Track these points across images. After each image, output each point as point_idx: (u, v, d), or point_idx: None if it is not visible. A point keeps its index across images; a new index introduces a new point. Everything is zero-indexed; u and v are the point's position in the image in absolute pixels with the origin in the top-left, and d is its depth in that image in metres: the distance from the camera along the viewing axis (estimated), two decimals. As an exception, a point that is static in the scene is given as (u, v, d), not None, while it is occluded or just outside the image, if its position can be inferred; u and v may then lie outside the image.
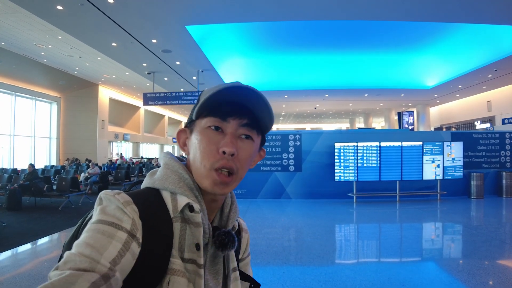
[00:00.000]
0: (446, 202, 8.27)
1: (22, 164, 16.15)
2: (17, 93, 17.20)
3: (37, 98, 18.69)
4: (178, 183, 0.65)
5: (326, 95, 18.69)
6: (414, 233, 5.78)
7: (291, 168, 8.94)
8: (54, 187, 9.47)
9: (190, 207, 0.63)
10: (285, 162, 8.95)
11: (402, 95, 18.39)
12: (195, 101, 0.73)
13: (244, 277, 0.81)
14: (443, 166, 8.43)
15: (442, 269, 3.84)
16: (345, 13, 8.25)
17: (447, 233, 5.84)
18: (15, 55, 13.44)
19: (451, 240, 5.39)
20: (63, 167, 15.77)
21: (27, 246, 5.13)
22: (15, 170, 12.94)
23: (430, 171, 8.43)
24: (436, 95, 18.22)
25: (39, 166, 15.24)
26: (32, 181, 9.30)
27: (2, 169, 13.49)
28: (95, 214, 0.56)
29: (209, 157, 0.64)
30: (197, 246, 0.62)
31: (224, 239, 0.67)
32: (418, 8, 7.86)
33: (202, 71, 13.22)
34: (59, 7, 7.68)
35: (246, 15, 8.42)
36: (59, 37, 10.92)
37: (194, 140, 0.67)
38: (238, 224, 0.84)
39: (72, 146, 20.42)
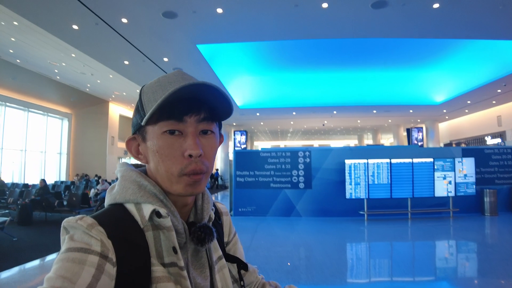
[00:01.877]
0: (459, 219, 8.12)
1: (32, 179, 16.32)
2: (30, 109, 17.56)
3: (49, 114, 19.05)
4: (139, 192, 0.62)
5: (334, 112, 18.71)
6: (427, 251, 5.67)
7: (301, 185, 8.89)
8: (65, 203, 9.54)
9: (157, 213, 0.60)
10: (294, 179, 8.91)
11: (411, 111, 18.34)
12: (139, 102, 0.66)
13: (232, 259, 0.79)
14: (455, 182, 8.31)
15: (459, 290, 3.75)
16: (353, 32, 8.36)
17: (461, 251, 5.72)
18: (30, 72, 13.80)
19: (465, 258, 5.27)
20: (72, 182, 15.89)
21: (38, 261, 5.15)
22: (26, 185, 13.08)
23: (442, 187, 8.32)
24: (445, 110, 18.14)
25: (49, 181, 15.35)
26: (43, 196, 9.40)
27: (14, 183, 13.66)
28: (64, 243, 0.54)
29: (175, 164, 0.61)
30: (174, 250, 0.61)
31: (201, 234, 0.66)
32: (426, 25, 7.94)
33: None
34: (75, 27, 7.91)
35: (255, 35, 8.59)
36: (73, 55, 11.19)
37: (152, 148, 0.63)
38: (216, 209, 0.83)
39: (82, 161, 20.62)
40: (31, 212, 8.72)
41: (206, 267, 0.70)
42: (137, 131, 0.66)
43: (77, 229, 0.55)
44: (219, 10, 7.09)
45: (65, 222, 0.56)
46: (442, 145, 21.97)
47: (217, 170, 22.38)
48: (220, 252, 0.75)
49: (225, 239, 0.84)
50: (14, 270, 4.77)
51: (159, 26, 7.87)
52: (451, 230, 7.20)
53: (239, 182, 9.05)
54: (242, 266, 0.80)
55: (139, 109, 0.65)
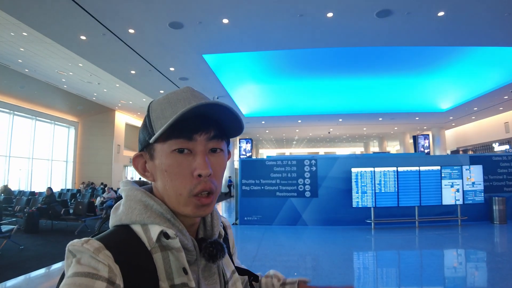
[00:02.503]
0: (467, 227, 8.02)
1: (39, 187, 16.42)
2: (37, 118, 17.76)
3: (56, 122, 19.23)
4: (145, 213, 0.60)
5: (340, 120, 18.69)
6: (435, 261, 5.60)
7: (307, 193, 8.84)
8: (71, 211, 9.57)
9: (165, 234, 0.59)
10: (300, 187, 8.87)
11: (417, 118, 18.27)
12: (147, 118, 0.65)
13: (241, 271, 0.79)
14: (463, 190, 8.24)
15: (469, 301, 3.69)
16: (358, 40, 8.39)
17: (471, 260, 5.64)
18: (37, 81, 13.99)
19: (475, 267, 5.20)
20: (78, 190, 15.96)
21: (44, 270, 5.16)
22: (32, 193, 13.15)
23: (450, 195, 8.24)
24: (451, 117, 18.04)
25: (55, 189, 15.43)
26: (50, 204, 9.43)
27: (20, 191, 13.75)
28: (70, 267, 0.52)
29: (184, 185, 0.60)
30: (185, 270, 0.59)
31: (212, 250, 0.64)
32: (431, 33, 7.94)
33: (217, 98, 13.44)
34: (83, 37, 8.03)
35: (261, 44, 8.67)
36: (80, 64, 11.35)
37: (161, 167, 0.61)
38: (223, 223, 0.82)
39: (88, 170, 20.72)
40: (38, 220, 8.75)
41: (217, 282, 0.69)
42: (145, 148, 0.65)
43: (84, 253, 0.53)
44: (225, 21, 7.16)
45: (70, 245, 0.54)
46: (449, 152, 21.81)
47: (229, 177, 22.27)
48: (233, 267, 0.75)
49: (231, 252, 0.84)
50: (20, 278, 4.79)
51: (165, 37, 7.96)
52: (460, 239, 7.12)
53: (244, 191, 9.04)
54: (253, 278, 0.81)
55: (147, 126, 0.63)
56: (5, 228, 6.66)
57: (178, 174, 0.60)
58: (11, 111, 15.99)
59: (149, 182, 0.70)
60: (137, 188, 0.65)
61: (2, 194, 12.35)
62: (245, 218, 8.93)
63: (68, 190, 16.40)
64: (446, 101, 15.69)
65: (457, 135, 21.94)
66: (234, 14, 6.94)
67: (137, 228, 0.61)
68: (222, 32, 7.78)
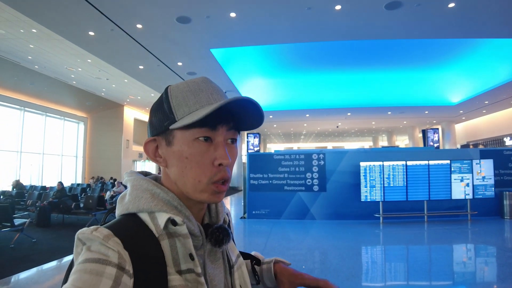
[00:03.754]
0: (477, 222, 7.93)
1: (50, 182, 16.68)
2: (47, 114, 18.05)
3: (65, 118, 19.48)
4: (152, 201, 0.62)
5: (348, 114, 18.56)
6: (444, 255, 5.56)
7: (315, 188, 8.83)
8: (81, 205, 9.70)
9: (172, 221, 0.60)
10: (309, 181, 8.86)
11: (426, 112, 18.06)
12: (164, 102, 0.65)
13: (245, 256, 0.82)
14: (473, 185, 8.14)
15: (479, 295, 3.67)
16: (367, 33, 8.29)
17: (480, 255, 5.59)
18: (47, 78, 14.17)
19: (484, 263, 5.14)
20: (88, 185, 16.17)
21: (55, 262, 5.25)
22: (44, 188, 13.36)
23: (459, 190, 8.15)
24: (461, 111, 17.78)
25: (66, 184, 15.66)
26: (61, 198, 9.59)
27: (32, 186, 13.98)
28: (80, 254, 0.53)
29: (205, 172, 0.62)
30: (191, 256, 0.60)
31: (219, 235, 0.67)
32: (441, 25, 7.82)
33: (225, 92, 13.38)
34: (91, 33, 8.08)
35: (268, 38, 8.63)
36: (88, 60, 11.44)
37: (181, 154, 0.62)
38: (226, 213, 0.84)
39: (98, 164, 20.97)
40: (49, 214, 8.91)
41: (222, 266, 0.71)
42: (161, 133, 0.65)
43: (94, 241, 0.54)
44: (232, 15, 7.14)
45: (80, 234, 0.55)
46: (459, 146, 21.54)
47: None
48: (238, 251, 0.78)
49: None
50: (33, 271, 4.90)
51: (173, 31, 7.97)
52: (469, 234, 7.06)
53: (252, 185, 9.06)
54: (255, 261, 0.85)
55: (166, 111, 0.63)
56: (17, 221, 6.81)
57: (200, 162, 0.61)
58: (22, 107, 16.25)
59: (150, 173, 0.73)
60: (143, 178, 0.67)
61: (15, 189, 12.57)
62: (253, 212, 8.96)
63: (78, 184, 16.65)
64: (457, 94, 15.46)
65: (467, 129, 21.64)
66: (242, 8, 6.91)
67: (144, 216, 0.62)
68: (230, 26, 7.76)
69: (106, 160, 20.89)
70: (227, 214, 0.83)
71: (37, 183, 16.63)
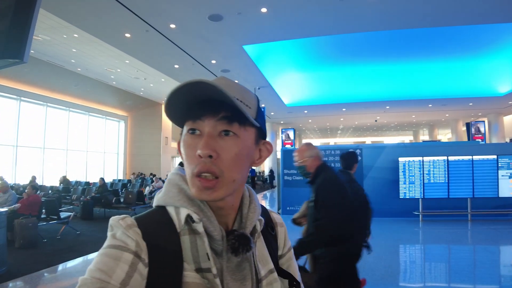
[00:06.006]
0: (528, 222, 7.40)
1: (93, 178, 17.60)
2: (90, 113, 19.12)
3: (107, 117, 20.49)
4: (177, 196, 0.63)
5: (387, 107, 17.91)
6: (489, 257, 5.22)
7: (352, 183, 8.59)
8: (122, 200, 10.16)
9: (190, 218, 0.60)
10: (344, 177, 8.64)
11: (471, 104, 16.99)
12: None
13: (283, 274, 0.73)
14: (524, 182, 7.58)
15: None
16: (405, 22, 7.91)
17: (532, 258, 5.20)
18: (89, 79, 15.00)
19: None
20: (129, 181, 16.87)
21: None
22: (87, 183, 14.11)
23: (507, 187, 7.62)
24: (510, 102, 16.56)
25: (108, 180, 16.46)
26: (103, 193, 10.09)
27: (77, 182, 14.83)
28: (107, 239, 0.58)
29: (190, 164, 0.61)
30: (207, 256, 0.59)
31: (235, 243, 0.62)
32: (486, 9, 7.25)
33: (259, 88, 13.39)
34: (127, 35, 8.38)
35: (301, 32, 8.48)
36: (126, 61, 11.89)
37: (181, 148, 0.65)
38: (271, 219, 0.80)
39: (138, 161, 21.85)
40: (92, 208, 9.46)
41: (248, 279, 0.66)
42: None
43: (119, 228, 0.58)
44: (264, 10, 7.09)
45: (111, 220, 0.60)
46: (507, 140, 20.10)
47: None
48: (271, 266, 0.71)
49: (279, 252, 0.79)
50: (78, 260, 5.24)
51: (205, 30, 8.07)
52: (520, 234, 6.58)
53: (286, 181, 9.01)
54: (294, 284, 0.74)
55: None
56: (63, 214, 7.31)
57: (187, 154, 0.62)
58: (67, 108, 17.34)
59: None
60: (177, 173, 0.68)
61: (62, 184, 13.40)
62: (288, 208, 8.92)
63: (119, 180, 17.45)
64: (505, 84, 14.37)
65: (518, 121, 20.16)
66: (272, 3, 6.84)
67: (171, 210, 0.64)
68: (261, 22, 7.72)
69: (146, 157, 21.70)
70: (276, 224, 0.81)
71: (81, 179, 17.63)
